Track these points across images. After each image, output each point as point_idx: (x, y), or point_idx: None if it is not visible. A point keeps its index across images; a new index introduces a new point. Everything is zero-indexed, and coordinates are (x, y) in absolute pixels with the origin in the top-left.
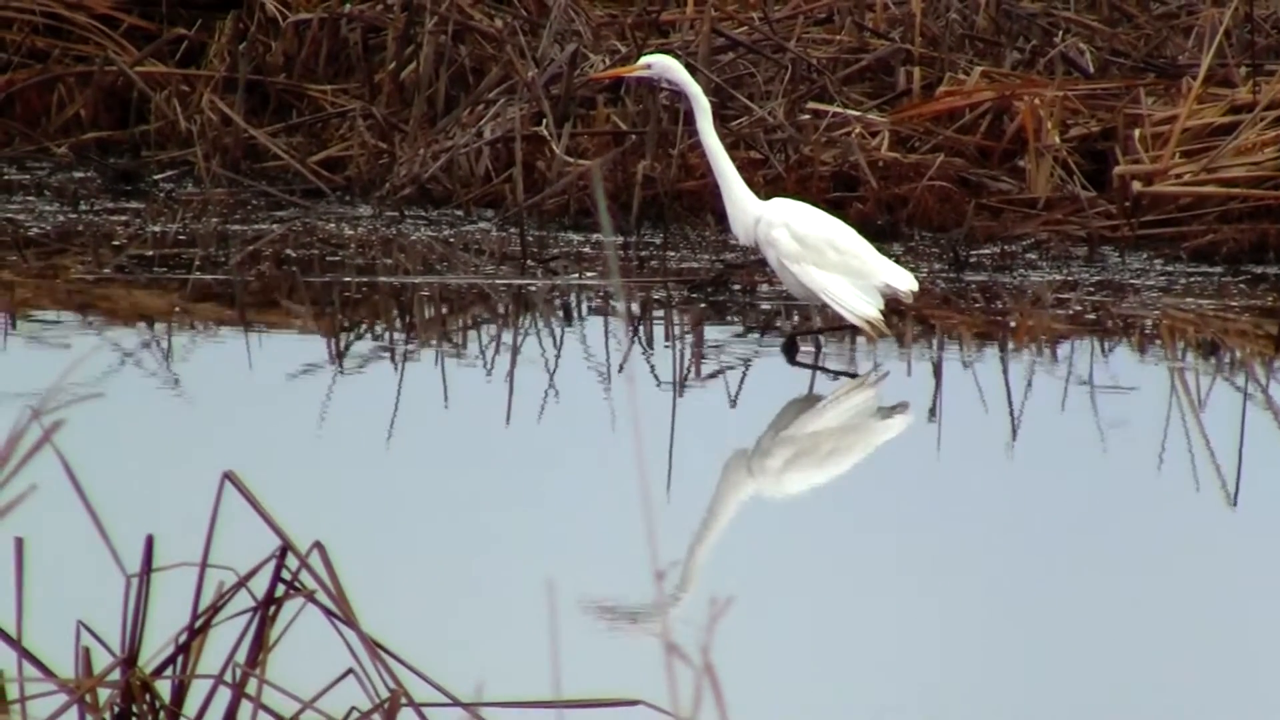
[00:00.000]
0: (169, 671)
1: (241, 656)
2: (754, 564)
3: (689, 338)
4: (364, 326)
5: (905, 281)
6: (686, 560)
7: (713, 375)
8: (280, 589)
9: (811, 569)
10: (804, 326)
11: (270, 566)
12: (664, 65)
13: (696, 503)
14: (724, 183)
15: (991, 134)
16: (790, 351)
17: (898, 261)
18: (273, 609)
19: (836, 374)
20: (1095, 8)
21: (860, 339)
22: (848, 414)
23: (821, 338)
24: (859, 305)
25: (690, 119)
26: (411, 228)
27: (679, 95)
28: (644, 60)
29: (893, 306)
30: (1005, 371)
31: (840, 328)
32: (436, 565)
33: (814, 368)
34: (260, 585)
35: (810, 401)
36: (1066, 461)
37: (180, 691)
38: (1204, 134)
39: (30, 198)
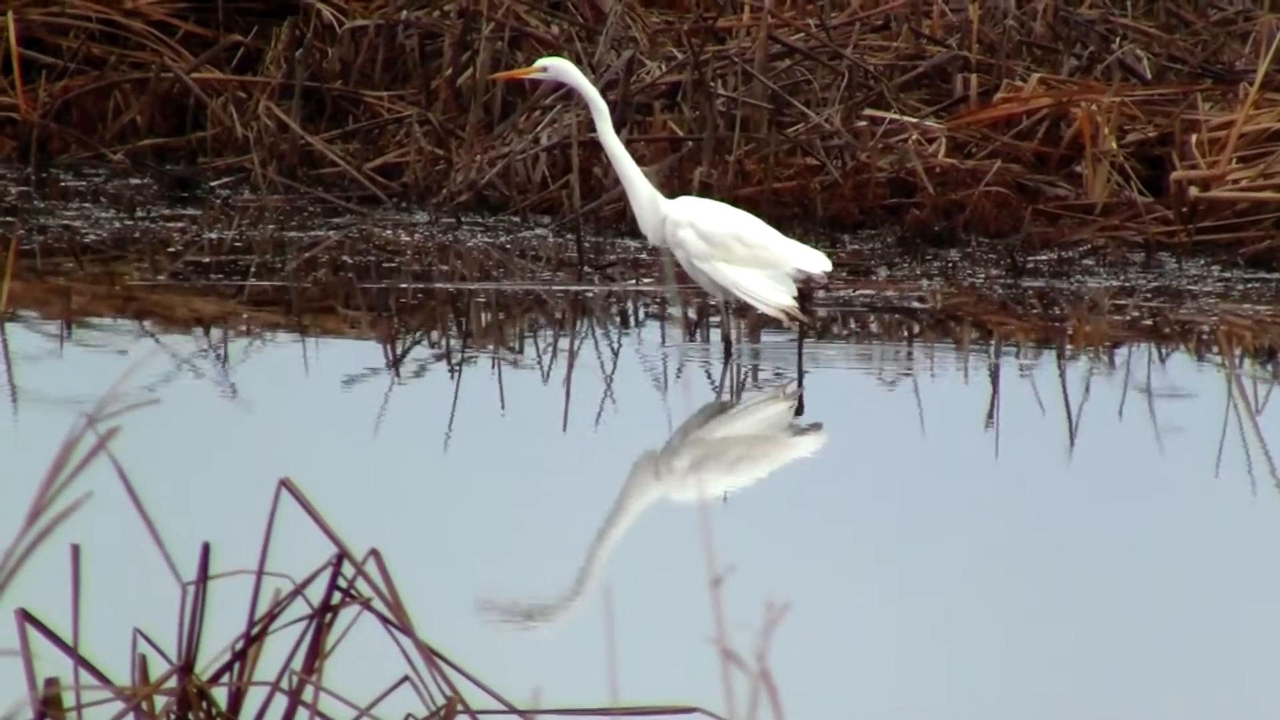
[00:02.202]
0: (225, 679)
1: (298, 664)
2: (818, 568)
3: (746, 343)
4: (420, 333)
5: (818, 264)
6: (587, 560)
7: (770, 381)
8: (336, 596)
9: (864, 573)
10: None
11: (326, 574)
12: (559, 68)
13: (753, 508)
14: (629, 184)
15: (1048, 140)
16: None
17: (953, 268)
18: (329, 616)
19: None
20: (1152, 14)
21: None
22: (760, 419)
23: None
24: (773, 296)
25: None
26: (468, 234)
27: (576, 97)
28: (540, 63)
29: (810, 289)
30: (1062, 377)
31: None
32: (492, 571)
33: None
34: (316, 592)
35: (724, 408)
36: (1124, 467)
37: (237, 699)
38: (1261, 139)
39: (87, 204)
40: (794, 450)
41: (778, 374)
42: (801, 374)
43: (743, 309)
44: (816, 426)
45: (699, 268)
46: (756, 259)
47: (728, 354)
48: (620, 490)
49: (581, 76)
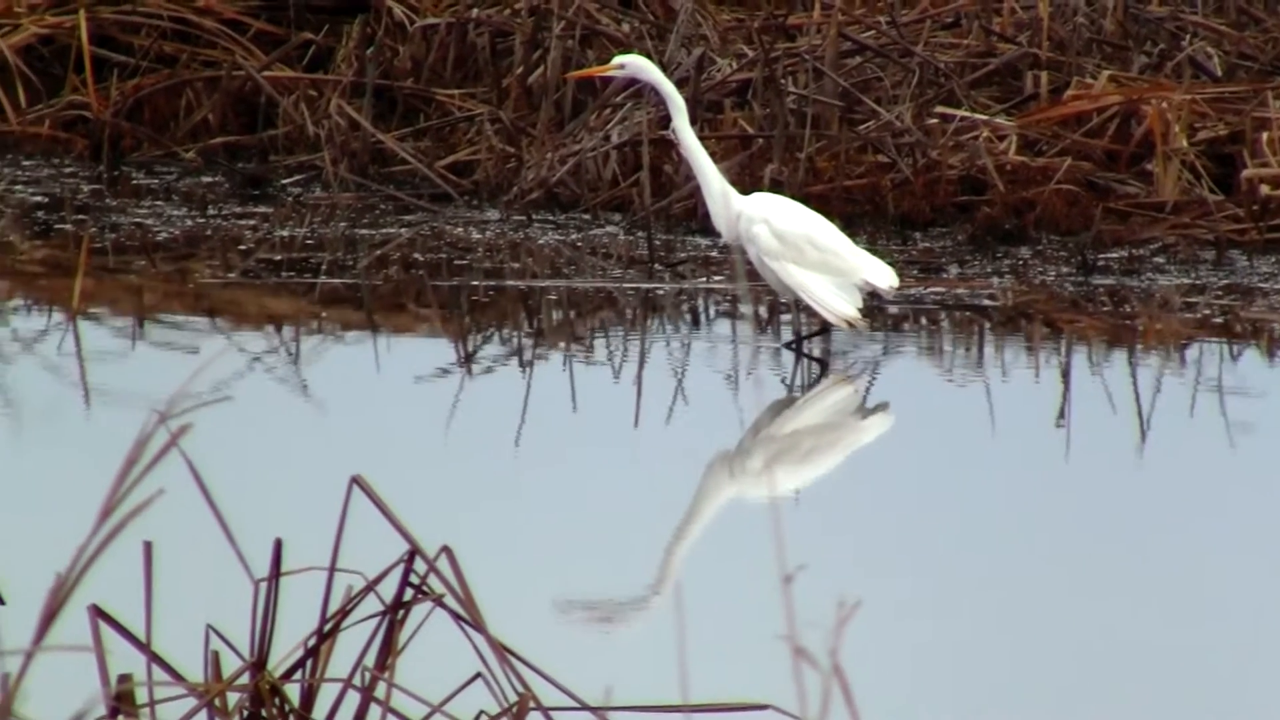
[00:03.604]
0: (298, 675)
1: (370, 660)
2: (890, 566)
3: (816, 340)
4: (492, 330)
5: (885, 278)
6: (664, 559)
7: (840, 378)
8: (409, 593)
9: (936, 570)
10: (815, 331)
11: (398, 570)
12: (637, 65)
13: (825, 505)
14: (703, 179)
15: (1119, 138)
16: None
17: (1023, 266)
18: (401, 613)
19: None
20: (1223, 11)
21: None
22: (829, 414)
23: (808, 335)
24: (838, 304)
25: (674, 118)
26: (539, 232)
27: (656, 93)
28: (617, 60)
29: (873, 301)
30: (1133, 375)
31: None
32: (565, 569)
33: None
34: (388, 589)
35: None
36: (1195, 466)
37: (309, 695)
38: None
39: (159, 202)
40: (864, 435)
41: (846, 367)
42: (817, 361)
43: (807, 310)
44: (884, 406)
45: (768, 265)
46: (826, 265)
47: (799, 351)
48: (695, 489)
49: (658, 72)
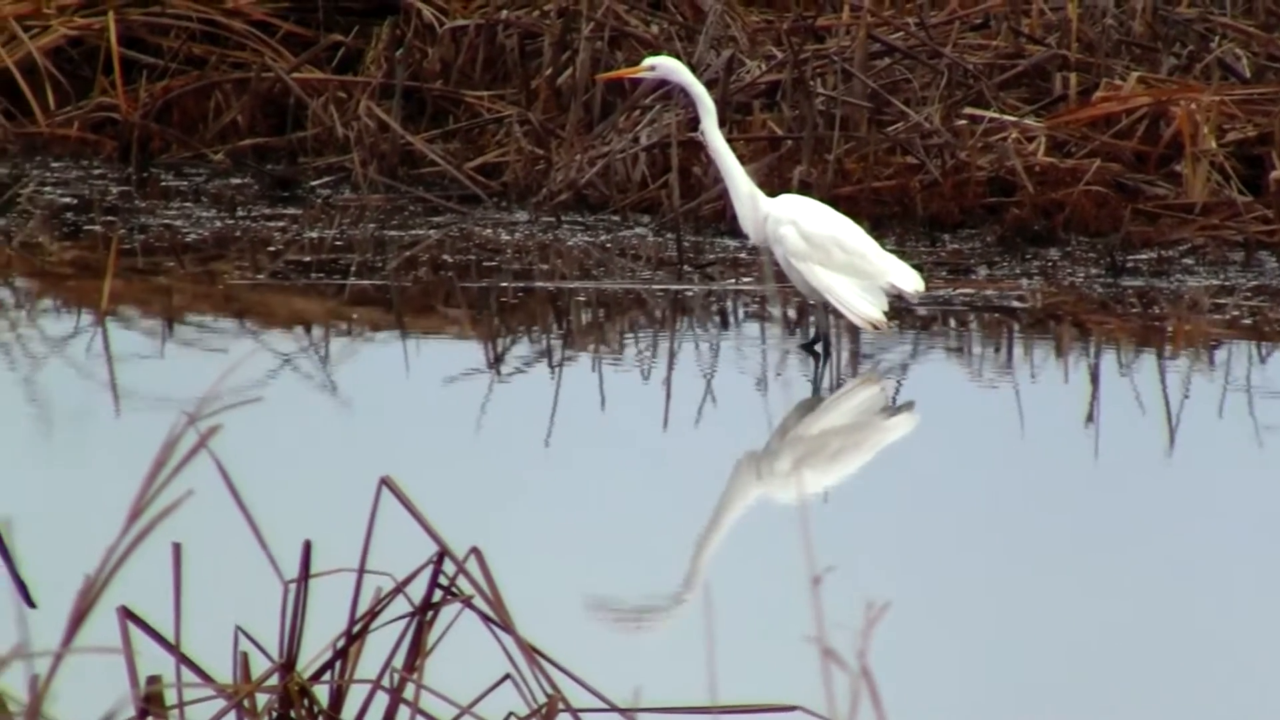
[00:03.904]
0: (327, 676)
1: (399, 662)
2: (919, 567)
3: (844, 341)
4: (521, 332)
5: (911, 282)
6: (692, 561)
7: (868, 378)
8: (438, 594)
9: (964, 571)
10: (818, 334)
11: (428, 572)
12: (667, 67)
13: (852, 507)
14: (731, 181)
15: (1148, 139)
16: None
17: (1052, 267)
18: (430, 614)
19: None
20: (1251, 13)
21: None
22: (856, 414)
23: (813, 338)
24: (863, 307)
25: (699, 120)
26: (568, 233)
27: (685, 95)
28: (648, 61)
29: (899, 304)
30: (1162, 377)
31: (814, 342)
32: (593, 571)
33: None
34: (418, 590)
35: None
36: (1224, 467)
37: (338, 696)
38: None
39: (188, 204)
40: (892, 436)
41: (874, 368)
42: (813, 355)
43: (834, 312)
44: (911, 407)
45: (795, 266)
46: (853, 267)
47: (826, 352)
48: (723, 490)
49: (689, 74)
